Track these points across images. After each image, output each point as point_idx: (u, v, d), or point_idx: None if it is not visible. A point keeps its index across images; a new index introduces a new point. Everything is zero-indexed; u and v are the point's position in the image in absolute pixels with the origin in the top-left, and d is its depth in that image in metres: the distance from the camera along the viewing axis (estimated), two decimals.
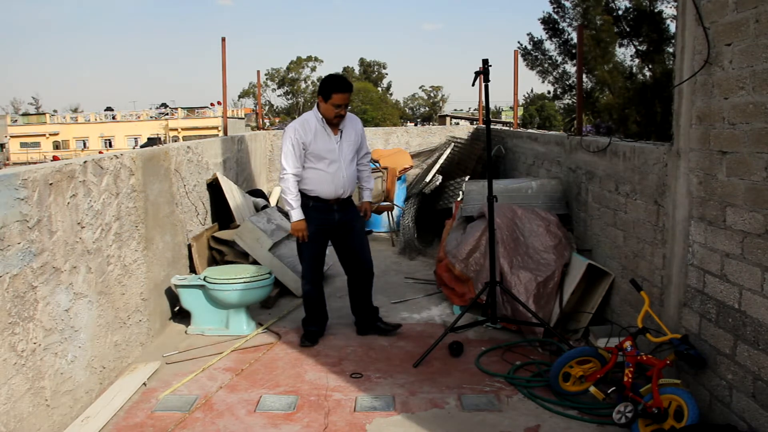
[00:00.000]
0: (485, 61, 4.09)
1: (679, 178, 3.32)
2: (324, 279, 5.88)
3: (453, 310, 4.95)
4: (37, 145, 55.92)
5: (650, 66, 14.35)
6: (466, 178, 7.00)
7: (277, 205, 8.91)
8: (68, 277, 3.24)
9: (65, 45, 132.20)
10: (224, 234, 5.67)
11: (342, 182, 4.18)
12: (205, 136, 30.54)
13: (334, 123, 4.11)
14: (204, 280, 4.47)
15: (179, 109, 60.10)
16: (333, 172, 4.14)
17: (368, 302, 4.52)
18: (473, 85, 4.18)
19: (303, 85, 58.89)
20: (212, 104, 56.84)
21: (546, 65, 16.98)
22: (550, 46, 16.74)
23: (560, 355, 3.66)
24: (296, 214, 4.12)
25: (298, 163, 4.10)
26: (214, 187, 6.04)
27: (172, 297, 4.79)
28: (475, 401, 3.44)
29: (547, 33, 16.42)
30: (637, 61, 15.20)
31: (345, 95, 4.03)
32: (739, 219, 2.75)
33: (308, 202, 4.17)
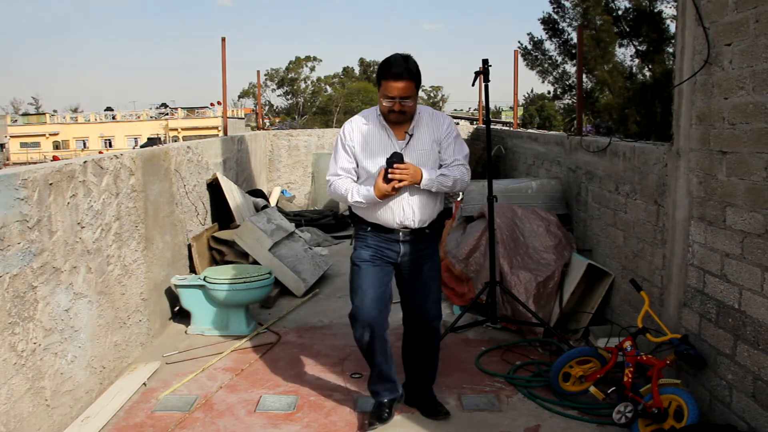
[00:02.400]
0: (485, 61, 4.09)
1: (679, 178, 3.32)
2: (322, 279, 5.90)
3: (453, 310, 4.95)
4: (37, 145, 55.90)
5: (650, 66, 14.35)
6: None
7: (277, 205, 8.92)
8: (68, 277, 3.23)
9: (65, 45, 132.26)
10: (224, 234, 5.68)
11: (408, 208, 2.98)
12: (205, 136, 30.53)
13: (392, 120, 2.97)
14: (204, 280, 4.47)
15: (179, 109, 60.08)
16: (392, 199, 2.96)
17: (423, 368, 3.33)
18: (473, 85, 4.18)
19: (303, 85, 58.87)
20: (212, 104, 56.83)
21: (546, 65, 16.97)
22: (550, 46, 16.73)
23: (560, 355, 3.66)
24: (367, 191, 2.96)
25: (349, 165, 3.05)
26: (214, 187, 6.04)
27: (172, 297, 4.79)
28: (475, 401, 3.44)
29: (547, 33, 16.41)
30: (637, 61, 15.20)
31: (399, 85, 2.84)
32: (739, 219, 2.75)
33: (365, 226, 3.10)
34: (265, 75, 56.72)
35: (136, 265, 4.17)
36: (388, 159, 2.82)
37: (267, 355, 4.17)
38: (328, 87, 59.42)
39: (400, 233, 3.05)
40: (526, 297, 4.33)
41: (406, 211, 2.99)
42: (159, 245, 4.61)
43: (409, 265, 3.13)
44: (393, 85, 2.84)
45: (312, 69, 58.96)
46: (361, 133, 3.01)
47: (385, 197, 2.89)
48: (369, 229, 3.09)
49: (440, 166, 3.05)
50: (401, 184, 2.86)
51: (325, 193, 10.13)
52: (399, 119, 2.94)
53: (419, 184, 2.91)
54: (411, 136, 2.98)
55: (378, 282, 3.05)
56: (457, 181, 3.02)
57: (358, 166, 3.03)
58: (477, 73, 4.14)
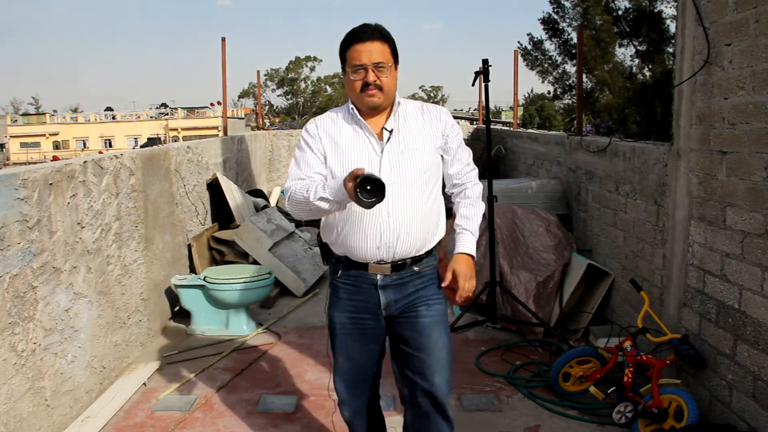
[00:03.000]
0: (485, 61, 4.09)
1: (679, 178, 3.32)
2: (322, 279, 5.89)
3: (453, 309, 4.95)
4: (37, 145, 55.89)
5: (650, 66, 14.34)
6: None
7: (277, 205, 8.92)
8: (68, 277, 3.23)
9: (65, 45, 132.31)
10: (224, 234, 5.68)
11: (389, 229, 2.14)
12: (205, 136, 30.54)
13: (368, 105, 2.16)
14: (204, 280, 4.47)
15: (179, 109, 60.08)
16: (366, 210, 2.04)
17: None
18: (473, 85, 4.19)
19: (303, 85, 58.88)
20: (212, 104, 56.82)
21: (546, 65, 16.96)
22: (550, 46, 16.73)
23: (560, 355, 3.66)
24: (332, 185, 2.04)
25: (321, 168, 2.22)
26: (214, 187, 6.04)
27: (172, 297, 4.79)
28: (475, 401, 3.44)
29: (547, 33, 16.40)
30: (637, 61, 15.20)
31: (369, 47, 2.10)
32: (739, 219, 2.75)
33: (335, 267, 2.30)
34: (265, 75, 56.72)
35: (136, 265, 4.17)
36: (360, 179, 1.86)
37: (267, 355, 4.16)
38: (328, 87, 59.40)
39: (378, 275, 2.19)
40: (526, 297, 4.33)
41: (386, 233, 2.12)
42: (159, 245, 4.61)
43: (399, 318, 2.25)
44: (361, 48, 2.09)
45: (312, 69, 58.96)
46: (329, 133, 2.21)
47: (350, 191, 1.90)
48: (340, 271, 2.27)
49: (445, 180, 2.34)
50: (463, 299, 2.23)
51: None
52: (376, 102, 2.13)
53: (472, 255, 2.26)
54: (392, 130, 2.16)
55: (356, 353, 2.33)
56: (481, 199, 2.39)
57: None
58: (477, 73, 4.14)
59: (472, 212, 2.33)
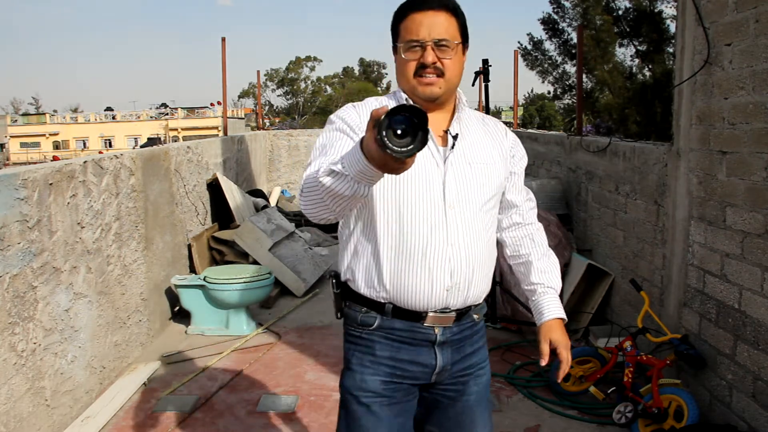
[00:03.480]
0: (485, 61, 4.10)
1: (679, 178, 3.32)
2: (322, 279, 5.89)
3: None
4: (37, 145, 55.90)
5: (650, 66, 14.36)
6: None
7: (277, 205, 8.92)
8: (68, 277, 3.24)
9: (65, 45, 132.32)
10: (224, 234, 5.68)
11: (463, 264, 1.59)
12: (205, 136, 30.56)
13: (425, 95, 1.59)
14: (204, 280, 4.47)
15: (179, 109, 60.08)
16: (430, 236, 1.56)
17: None
18: (473, 85, 4.19)
19: (302, 85, 58.93)
20: (212, 104, 56.84)
21: (546, 65, 16.98)
22: (550, 46, 16.75)
23: None
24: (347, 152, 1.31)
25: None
26: (214, 187, 6.04)
27: (172, 297, 4.79)
28: None
29: (547, 33, 16.42)
30: (637, 61, 15.22)
31: (433, 18, 1.56)
32: (739, 219, 2.75)
33: (366, 319, 1.63)
34: (265, 75, 56.73)
35: (136, 265, 4.17)
36: (389, 111, 1.18)
37: (267, 355, 4.17)
38: (328, 87, 59.44)
39: (436, 327, 1.60)
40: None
41: (458, 269, 1.56)
42: (159, 245, 4.61)
43: (437, 389, 1.68)
44: (421, 18, 1.55)
45: (312, 69, 58.99)
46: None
47: (390, 169, 1.22)
48: (375, 321, 1.60)
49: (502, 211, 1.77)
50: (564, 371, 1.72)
51: None
52: (435, 92, 1.56)
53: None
54: (455, 138, 1.60)
55: None
56: (549, 256, 1.88)
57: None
58: (477, 73, 4.15)
59: (548, 265, 1.81)
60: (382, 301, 1.59)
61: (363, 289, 1.61)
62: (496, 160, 1.67)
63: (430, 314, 1.58)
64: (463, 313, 1.64)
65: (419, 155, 1.28)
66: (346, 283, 1.66)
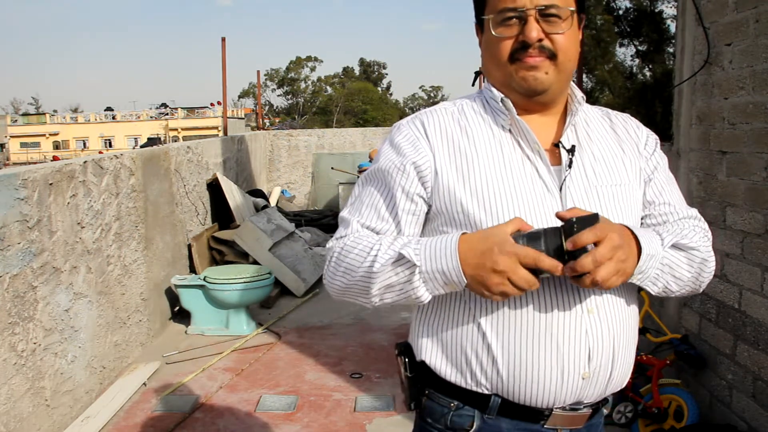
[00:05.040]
0: None
1: (679, 178, 3.32)
2: (322, 279, 5.86)
3: None
4: (37, 145, 55.91)
5: (650, 66, 14.38)
6: None
7: (277, 205, 8.92)
8: (68, 277, 3.24)
9: (65, 45, 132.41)
10: (224, 234, 5.68)
11: (603, 340, 1.08)
12: (205, 136, 30.57)
13: (525, 89, 1.11)
14: (204, 280, 4.47)
15: (179, 109, 60.09)
16: (554, 299, 1.07)
17: None
18: (473, 85, 4.18)
19: (303, 85, 58.95)
20: (212, 104, 56.83)
21: None
22: None
23: None
24: (431, 242, 1.03)
25: (398, 218, 1.14)
26: (214, 187, 6.04)
27: (172, 297, 4.79)
28: None
29: None
30: (637, 61, 15.24)
31: None
32: (739, 219, 2.75)
33: (463, 419, 1.14)
34: (265, 75, 56.77)
35: (136, 265, 4.17)
36: (564, 225, 0.98)
37: (267, 355, 4.17)
38: (328, 87, 59.48)
39: (560, 429, 1.16)
40: None
41: (597, 348, 1.10)
42: (159, 245, 4.61)
43: None
44: None
45: (312, 69, 59.03)
46: (455, 144, 1.14)
47: (500, 294, 0.99)
48: (472, 422, 1.15)
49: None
50: (601, 281, 0.98)
51: (325, 193, 10.02)
52: (542, 83, 1.11)
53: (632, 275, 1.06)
54: (572, 153, 1.13)
55: None
56: (706, 265, 1.19)
57: (431, 218, 1.16)
58: (477, 73, 4.14)
59: (697, 239, 1.18)
60: (485, 392, 1.12)
61: (453, 375, 1.14)
62: (632, 178, 1.18)
63: (556, 412, 1.12)
64: (597, 408, 1.18)
65: (525, 176, 1.09)
66: (424, 363, 1.17)
